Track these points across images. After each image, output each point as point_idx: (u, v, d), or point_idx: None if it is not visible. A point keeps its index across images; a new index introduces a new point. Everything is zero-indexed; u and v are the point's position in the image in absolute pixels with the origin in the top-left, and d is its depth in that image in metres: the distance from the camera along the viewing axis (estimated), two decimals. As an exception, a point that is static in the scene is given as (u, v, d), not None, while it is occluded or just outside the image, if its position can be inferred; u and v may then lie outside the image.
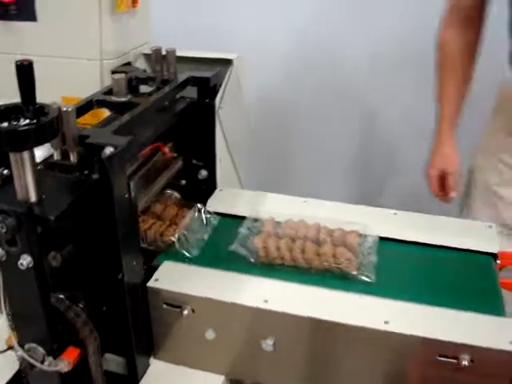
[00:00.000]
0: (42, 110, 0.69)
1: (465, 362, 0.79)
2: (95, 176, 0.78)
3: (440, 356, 0.81)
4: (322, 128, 1.90)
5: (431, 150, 1.39)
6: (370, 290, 0.90)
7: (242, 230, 1.00)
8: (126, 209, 0.78)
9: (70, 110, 0.75)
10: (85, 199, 0.76)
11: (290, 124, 1.88)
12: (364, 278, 0.92)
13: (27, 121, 0.68)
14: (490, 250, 1.00)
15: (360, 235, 0.98)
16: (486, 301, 0.90)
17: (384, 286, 0.91)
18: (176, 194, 1.10)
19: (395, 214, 1.09)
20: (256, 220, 1.02)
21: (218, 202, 1.10)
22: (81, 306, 0.80)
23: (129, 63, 1.16)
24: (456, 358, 0.80)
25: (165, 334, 0.91)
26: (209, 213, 1.05)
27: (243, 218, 1.04)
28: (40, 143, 0.69)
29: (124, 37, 1.14)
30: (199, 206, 1.05)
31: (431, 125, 1.35)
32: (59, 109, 0.72)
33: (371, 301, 0.87)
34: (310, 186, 1.66)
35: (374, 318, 0.83)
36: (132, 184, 0.79)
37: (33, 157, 0.70)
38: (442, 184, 1.38)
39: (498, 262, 1.01)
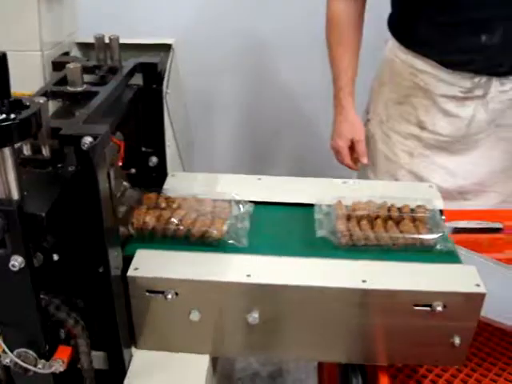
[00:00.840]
0: (18, 103, 0.67)
1: (438, 308, 0.86)
2: (71, 169, 0.76)
3: (415, 306, 0.87)
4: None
5: (335, 121, 1.44)
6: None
7: (318, 216, 1.02)
8: (108, 199, 0.77)
9: (42, 102, 0.72)
10: (66, 193, 0.74)
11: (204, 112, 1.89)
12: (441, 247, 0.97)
13: (3, 116, 0.65)
14: (437, 207, 1.08)
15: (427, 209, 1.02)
16: (443, 251, 0.98)
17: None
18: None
19: (344, 182, 1.15)
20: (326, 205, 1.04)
21: (179, 186, 1.10)
22: (67, 303, 0.78)
23: (67, 53, 1.13)
24: (430, 305, 0.87)
25: (147, 322, 0.90)
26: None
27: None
28: (23, 138, 0.66)
29: (58, 26, 1.10)
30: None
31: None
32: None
33: (345, 263, 0.92)
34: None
35: (351, 279, 0.88)
36: (111, 173, 0.78)
37: (14, 153, 0.67)
38: (351, 153, 1.45)
39: (443, 217, 1.10)
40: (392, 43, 1.43)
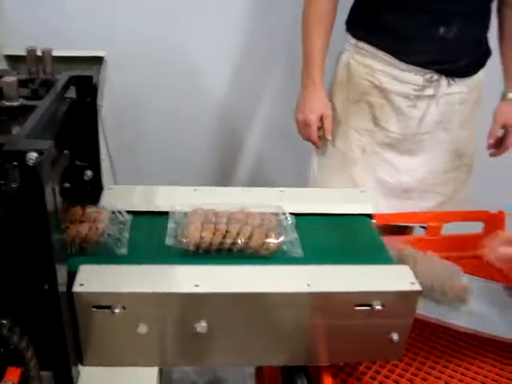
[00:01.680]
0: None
1: (378, 307, 0.91)
2: (15, 185, 0.75)
3: (356, 306, 0.91)
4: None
5: (306, 97, 1.51)
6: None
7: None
8: (55, 215, 0.76)
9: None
10: (9, 210, 0.72)
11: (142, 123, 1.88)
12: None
13: None
14: (367, 212, 1.14)
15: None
16: (377, 254, 1.03)
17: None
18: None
19: (282, 191, 1.18)
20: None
21: (117, 200, 1.10)
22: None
23: (-5, 66, 1.09)
24: (370, 305, 0.91)
25: (94, 338, 0.89)
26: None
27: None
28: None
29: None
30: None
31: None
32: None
33: (290, 269, 0.95)
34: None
35: (297, 283, 0.91)
36: (56, 188, 0.77)
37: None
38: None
39: (374, 220, 1.15)
40: (348, 48, 1.53)
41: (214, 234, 0.97)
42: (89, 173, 1.10)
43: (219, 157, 2.00)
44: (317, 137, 1.54)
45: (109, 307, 0.86)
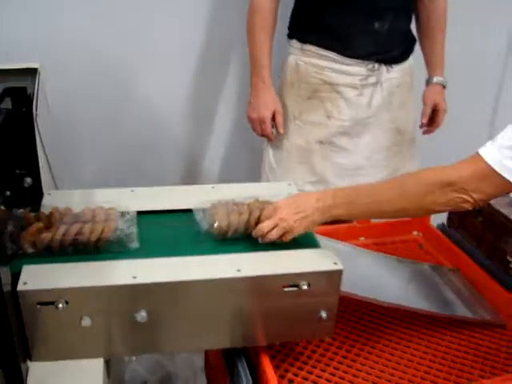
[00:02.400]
0: None
1: (304, 287, 0.99)
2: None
3: (284, 287, 0.99)
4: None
5: (257, 96, 1.63)
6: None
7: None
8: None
9: None
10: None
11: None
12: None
13: None
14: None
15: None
16: (304, 239, 1.11)
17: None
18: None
19: (213, 187, 1.26)
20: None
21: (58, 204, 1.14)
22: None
23: None
24: (297, 285, 0.99)
25: (41, 334, 0.94)
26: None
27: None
28: None
29: None
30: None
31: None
32: None
33: (221, 257, 1.02)
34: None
35: (227, 269, 0.98)
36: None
37: None
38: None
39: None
40: (293, 51, 1.67)
41: None
42: (28, 180, 1.15)
43: (159, 158, 2.06)
44: (271, 131, 1.67)
45: (52, 303, 0.91)
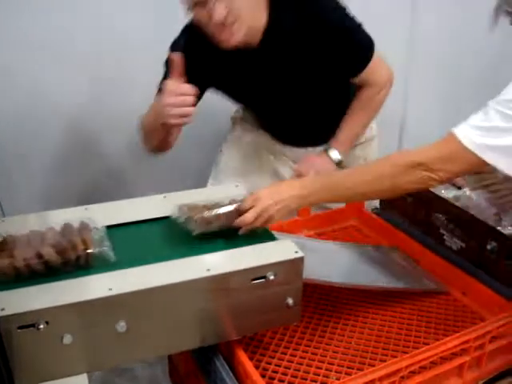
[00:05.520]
0: None
1: (271, 277, 1.06)
2: None
3: (253, 280, 1.05)
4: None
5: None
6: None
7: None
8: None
9: None
10: None
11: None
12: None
13: None
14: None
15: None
16: (262, 235, 1.18)
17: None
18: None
19: (165, 197, 1.30)
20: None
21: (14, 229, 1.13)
22: None
23: None
24: (264, 277, 1.05)
25: (23, 358, 0.94)
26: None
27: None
28: None
29: None
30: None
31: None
32: None
33: (190, 259, 1.07)
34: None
35: (198, 270, 1.03)
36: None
37: None
38: None
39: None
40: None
41: None
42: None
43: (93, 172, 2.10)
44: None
45: (33, 325, 0.92)
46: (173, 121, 1.32)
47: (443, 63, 2.66)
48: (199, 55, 1.49)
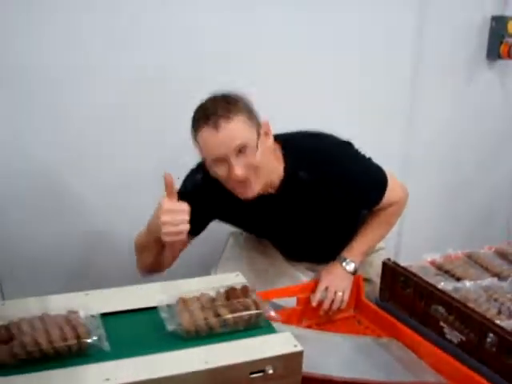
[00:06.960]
0: None
1: (270, 371, 1.05)
2: None
3: (251, 374, 1.04)
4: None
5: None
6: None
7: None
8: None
9: None
10: None
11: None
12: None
13: None
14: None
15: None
16: (261, 326, 1.18)
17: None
18: None
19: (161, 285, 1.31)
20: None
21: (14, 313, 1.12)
22: None
23: None
24: (263, 370, 1.05)
25: None
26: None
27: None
28: None
29: None
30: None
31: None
32: None
33: (187, 351, 1.06)
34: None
35: (196, 362, 1.02)
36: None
37: None
38: None
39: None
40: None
41: None
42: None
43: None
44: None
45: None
46: (168, 238, 1.33)
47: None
48: (215, 193, 1.57)
